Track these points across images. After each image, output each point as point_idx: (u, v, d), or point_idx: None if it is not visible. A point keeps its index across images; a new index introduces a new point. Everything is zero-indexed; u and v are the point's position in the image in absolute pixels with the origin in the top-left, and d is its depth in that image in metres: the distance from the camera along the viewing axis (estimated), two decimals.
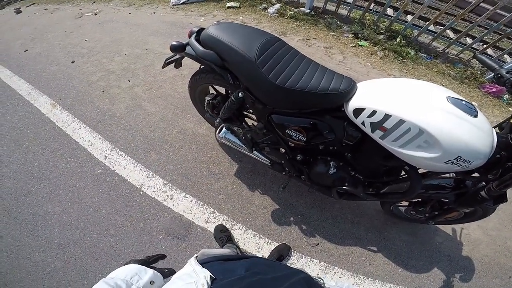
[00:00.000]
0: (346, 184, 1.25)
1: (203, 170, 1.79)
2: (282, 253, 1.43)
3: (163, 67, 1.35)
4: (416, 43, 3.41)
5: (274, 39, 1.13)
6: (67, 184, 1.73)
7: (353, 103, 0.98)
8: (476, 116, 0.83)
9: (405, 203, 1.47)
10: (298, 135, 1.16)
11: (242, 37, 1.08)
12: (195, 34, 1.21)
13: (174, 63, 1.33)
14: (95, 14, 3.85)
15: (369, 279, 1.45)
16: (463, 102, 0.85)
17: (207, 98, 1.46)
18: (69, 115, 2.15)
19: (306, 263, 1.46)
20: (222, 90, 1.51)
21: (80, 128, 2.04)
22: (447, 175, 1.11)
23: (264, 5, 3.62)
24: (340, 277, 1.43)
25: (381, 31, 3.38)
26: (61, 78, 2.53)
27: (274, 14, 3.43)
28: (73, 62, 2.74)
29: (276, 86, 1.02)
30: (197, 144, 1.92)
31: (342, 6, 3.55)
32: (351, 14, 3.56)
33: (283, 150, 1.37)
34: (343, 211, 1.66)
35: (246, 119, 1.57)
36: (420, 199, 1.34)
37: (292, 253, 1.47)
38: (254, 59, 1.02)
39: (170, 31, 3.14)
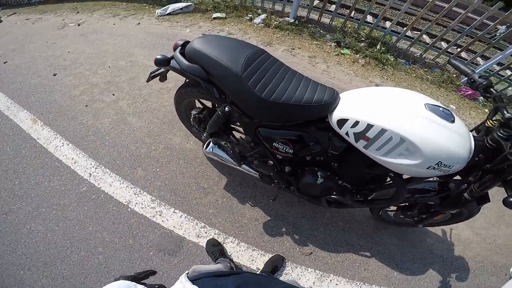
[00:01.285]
0: (334, 193, 1.27)
1: (191, 185, 1.77)
2: (276, 264, 1.43)
3: (147, 81, 1.33)
4: (395, 49, 3.55)
5: (259, 51, 1.14)
6: (51, 202, 1.67)
7: (337, 114, 1.01)
8: (453, 121, 0.87)
9: (393, 208, 1.50)
10: (285, 148, 1.17)
11: (227, 50, 1.08)
12: (180, 47, 1.19)
13: (159, 76, 1.31)
14: (79, 25, 3.79)
15: (366, 284, 1.46)
16: (440, 108, 0.89)
17: (194, 112, 1.45)
18: (51, 131, 2.08)
19: (301, 272, 1.46)
20: (208, 103, 1.51)
21: (63, 145, 1.98)
22: (431, 179, 1.15)
23: (250, 15, 3.67)
24: (336, 285, 1.44)
25: (362, 39, 3.51)
26: (42, 91, 2.45)
27: (260, 25, 3.49)
28: (55, 74, 2.67)
29: (262, 99, 1.02)
30: (185, 159, 1.90)
31: (324, 14, 3.67)
32: (333, 23, 3.67)
33: (271, 163, 1.38)
34: (333, 219, 1.68)
35: (234, 132, 1.57)
36: (407, 204, 1.38)
37: (287, 263, 1.48)
38: (240, 72, 1.02)
39: (155, 43, 3.12)
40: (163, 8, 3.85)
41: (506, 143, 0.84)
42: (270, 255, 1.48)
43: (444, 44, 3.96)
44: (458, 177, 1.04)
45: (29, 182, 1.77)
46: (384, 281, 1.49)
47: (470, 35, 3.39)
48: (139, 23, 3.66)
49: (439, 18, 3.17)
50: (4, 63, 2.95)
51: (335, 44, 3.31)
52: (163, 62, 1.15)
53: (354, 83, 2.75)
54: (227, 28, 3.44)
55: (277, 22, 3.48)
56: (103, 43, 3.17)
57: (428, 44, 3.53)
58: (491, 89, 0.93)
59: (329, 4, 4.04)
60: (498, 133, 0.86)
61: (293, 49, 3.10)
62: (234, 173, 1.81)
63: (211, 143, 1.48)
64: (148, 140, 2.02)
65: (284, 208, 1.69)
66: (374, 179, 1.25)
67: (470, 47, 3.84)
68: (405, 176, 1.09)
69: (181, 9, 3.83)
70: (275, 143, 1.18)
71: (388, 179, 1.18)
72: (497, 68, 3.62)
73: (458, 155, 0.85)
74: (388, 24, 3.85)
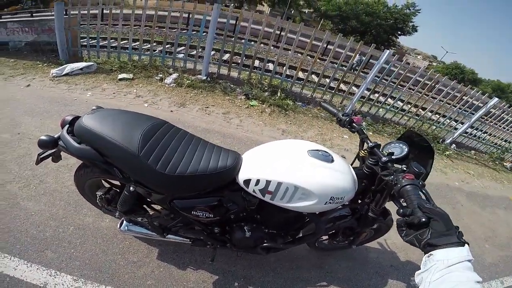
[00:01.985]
0: (265, 241, 1.34)
1: (118, 261, 1.57)
2: None
3: (36, 164, 1.15)
4: (292, 94, 4.25)
5: (158, 124, 1.12)
6: None
7: (241, 176, 1.09)
8: (332, 161, 1.04)
9: (325, 237, 1.63)
10: (205, 214, 1.18)
11: (122, 127, 1.02)
12: (67, 125, 1.07)
13: (51, 157, 1.16)
14: None
15: None
16: (320, 152, 1.05)
17: (99, 193, 1.34)
18: None
19: None
20: (115, 181, 1.42)
21: None
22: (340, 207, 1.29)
23: (161, 75, 3.71)
24: None
25: (265, 88, 4.08)
26: None
27: (171, 85, 3.54)
28: None
29: (167, 175, 1.00)
30: (103, 238, 1.68)
31: (233, 69, 4.07)
32: (241, 76, 4.15)
33: (199, 227, 1.39)
34: (279, 262, 1.73)
35: (152, 205, 1.49)
36: (333, 231, 1.51)
37: None
38: (136, 151, 0.97)
39: (49, 109, 2.75)
40: (59, 68, 3.50)
41: (376, 167, 1.02)
42: None
43: (327, 80, 4.98)
44: (360, 202, 1.23)
45: None
46: None
47: (342, 69, 4.22)
48: (28, 85, 3.18)
49: (317, 57, 3.97)
50: None
51: (245, 96, 3.73)
52: (49, 144, 1.02)
53: (265, 133, 3.10)
54: (135, 90, 3.34)
55: (190, 81, 3.63)
56: None
57: (315, 83, 4.29)
58: (354, 124, 1.17)
59: (237, 57, 4.53)
60: (369, 161, 1.07)
61: (207, 107, 3.28)
62: (164, 242, 1.70)
63: (124, 222, 1.40)
64: (53, 223, 1.70)
65: (229, 264, 1.68)
66: (294, 221, 1.34)
67: (345, 79, 4.72)
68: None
69: (81, 69, 3.58)
70: (194, 212, 1.19)
71: (306, 217, 1.29)
72: (367, 93, 4.61)
73: (345, 188, 1.02)
74: (284, 69, 4.60)
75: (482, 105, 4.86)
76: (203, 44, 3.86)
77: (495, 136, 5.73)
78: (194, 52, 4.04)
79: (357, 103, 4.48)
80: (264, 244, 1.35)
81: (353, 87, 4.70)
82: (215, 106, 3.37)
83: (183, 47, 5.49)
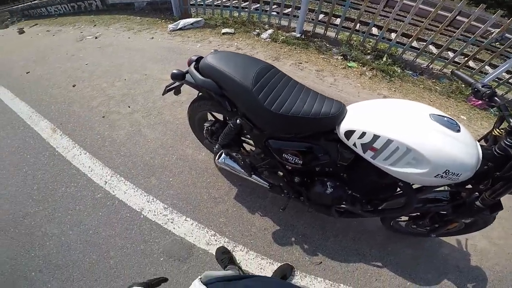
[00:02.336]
0: (344, 202, 1.29)
1: (203, 194, 1.81)
2: (285, 272, 1.43)
3: (163, 94, 1.41)
4: (401, 61, 3.59)
5: (268, 66, 1.18)
6: (67, 207, 1.74)
7: (344, 126, 1.03)
8: (459, 131, 0.89)
9: (405, 218, 1.50)
10: (294, 159, 1.20)
11: (238, 65, 1.13)
12: (194, 62, 1.25)
13: (173, 90, 1.37)
14: (96, 38, 4.01)
15: None
16: (445, 118, 0.92)
17: (206, 124, 1.51)
18: (70, 141, 2.19)
19: (310, 281, 1.46)
20: (220, 116, 1.57)
21: (80, 154, 2.08)
22: (442, 188, 1.15)
23: (258, 30, 3.80)
24: None
25: (368, 51, 3.57)
26: (62, 102, 2.60)
27: (267, 40, 3.61)
28: (74, 86, 2.82)
29: (272, 112, 1.06)
30: (197, 170, 1.95)
31: (330, 28, 3.77)
32: (339, 36, 3.76)
33: (281, 173, 1.40)
34: (344, 229, 1.68)
35: (245, 144, 1.62)
36: (419, 213, 1.38)
37: (296, 272, 1.48)
38: (250, 87, 1.06)
39: (168, 57, 3.27)
40: (174, 23, 4.05)
41: None
42: (279, 264, 1.49)
43: (451, 54, 3.97)
44: (469, 186, 1.05)
45: (46, 188, 1.86)
46: None
47: (475, 44, 3.40)
48: (152, 38, 3.85)
49: (442, 28, 3.22)
50: (27, 73, 3.14)
51: (342, 57, 3.38)
52: (179, 76, 1.21)
53: (362, 95, 2.79)
54: (235, 43, 3.56)
55: (284, 37, 3.58)
56: (119, 56, 3.35)
57: (434, 54, 3.56)
58: (495, 98, 0.96)
59: (334, 18, 4.17)
60: (505, 141, 0.88)
61: (300, 63, 3.18)
62: (245, 183, 1.85)
63: (223, 154, 1.53)
64: (161, 151, 2.09)
65: (294, 218, 1.71)
66: (384, 189, 1.26)
67: (477, 56, 3.84)
68: (415, 186, 1.10)
69: (191, 24, 4.03)
70: (284, 154, 1.21)
71: (398, 189, 1.19)
72: (507, 76, 3.59)
73: (465, 163, 0.87)
74: (393, 35, 3.92)
75: None
76: (298, 4, 3.67)
77: None
78: (289, 10, 3.88)
79: (490, 84, 3.40)
80: (342, 206, 1.31)
81: (488, 67, 3.55)
82: (308, 63, 3.23)
83: (276, 6, 5.41)
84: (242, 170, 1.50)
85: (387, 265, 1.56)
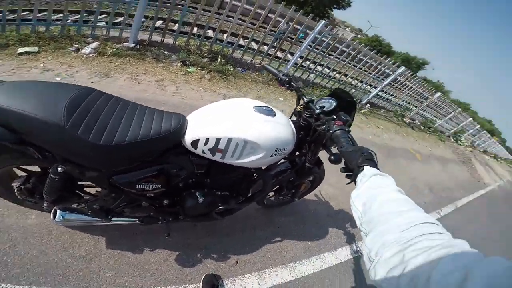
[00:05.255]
0: (219, 204, 1.35)
1: (65, 259, 1.38)
2: (212, 283, 1.40)
3: None
4: (232, 59, 4.26)
5: (86, 91, 0.96)
6: None
7: (188, 137, 1.04)
8: (274, 115, 1.10)
9: (271, 194, 1.77)
10: (152, 185, 1.09)
11: (39, 98, 0.85)
12: None
13: None
14: None
15: (296, 262, 1.70)
16: (264, 107, 1.11)
17: (15, 184, 1.12)
18: None
19: (241, 282, 1.51)
20: (34, 167, 1.15)
21: None
22: (282, 161, 1.42)
23: (77, 45, 3.08)
24: (276, 275, 1.59)
25: (205, 54, 3.96)
26: None
27: (91, 55, 3.02)
28: None
29: (102, 146, 0.88)
30: (36, 237, 1.43)
31: (167, 35, 3.70)
32: (177, 42, 3.84)
33: (146, 204, 1.27)
34: (233, 226, 1.76)
35: (86, 188, 1.29)
36: (278, 186, 1.63)
37: (223, 281, 1.48)
38: (61, 123, 0.82)
39: None
40: None
41: (311, 119, 1.15)
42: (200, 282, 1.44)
43: (266, 48, 5.12)
44: (298, 154, 1.35)
45: None
46: (306, 252, 1.79)
47: (280, 38, 4.57)
48: None
49: (258, 26, 4.13)
50: None
51: (181, 63, 3.50)
52: None
53: (205, 98, 3.04)
54: (41, 64, 2.67)
55: (114, 49, 3.17)
56: None
57: (255, 50, 4.46)
58: (292, 83, 1.30)
59: (171, 24, 4.13)
60: (305, 114, 1.19)
61: (137, 75, 2.95)
62: (109, 228, 1.52)
63: (58, 212, 1.18)
64: None
65: (186, 236, 1.63)
66: (244, 179, 1.39)
67: (282, 47, 5.24)
68: (264, 167, 1.30)
69: None
70: (138, 185, 1.07)
71: (255, 174, 1.37)
72: (300, 60, 5.06)
73: (286, 139, 1.10)
74: (225, 36, 4.45)
75: (391, 73, 5.91)
76: (132, 12, 3.41)
77: (398, 98, 7.13)
78: (121, 19, 3.46)
79: (291, 69, 4.87)
80: (219, 208, 1.37)
81: (288, 55, 5.02)
82: (147, 74, 3.07)
83: (104, 15, 4.70)
84: (95, 219, 1.23)
85: (284, 236, 1.82)
